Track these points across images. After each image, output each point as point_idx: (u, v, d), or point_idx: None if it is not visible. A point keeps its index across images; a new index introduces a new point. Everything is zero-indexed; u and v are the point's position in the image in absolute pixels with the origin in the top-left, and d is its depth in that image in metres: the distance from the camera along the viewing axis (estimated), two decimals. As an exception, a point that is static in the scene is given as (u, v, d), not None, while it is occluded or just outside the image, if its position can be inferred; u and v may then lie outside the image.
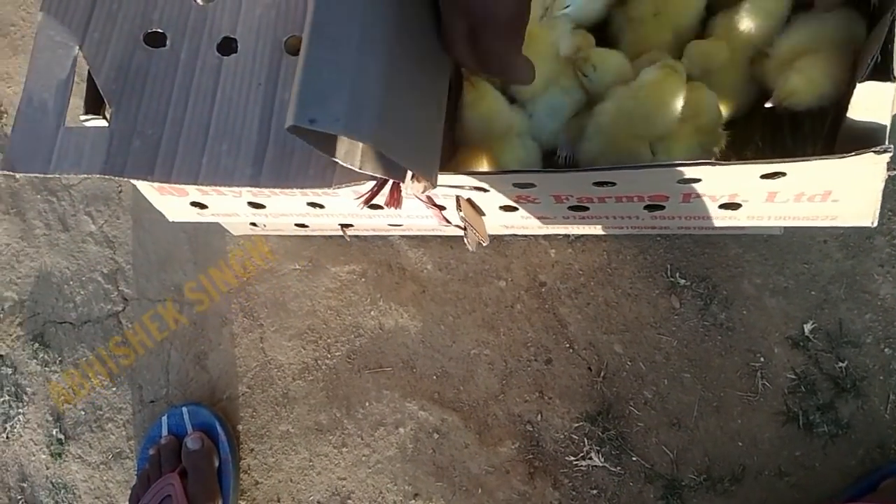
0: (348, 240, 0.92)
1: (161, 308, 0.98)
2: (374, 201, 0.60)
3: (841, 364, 0.82)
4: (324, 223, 0.87)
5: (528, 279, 0.90)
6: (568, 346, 0.88)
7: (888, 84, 0.47)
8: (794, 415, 0.82)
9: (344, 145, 0.50)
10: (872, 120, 0.50)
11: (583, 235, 0.89)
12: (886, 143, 0.51)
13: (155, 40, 0.64)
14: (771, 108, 0.65)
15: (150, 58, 0.63)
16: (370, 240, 0.94)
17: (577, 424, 0.86)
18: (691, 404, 0.84)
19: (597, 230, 0.85)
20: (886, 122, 0.50)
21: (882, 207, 0.83)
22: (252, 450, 0.94)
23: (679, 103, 0.64)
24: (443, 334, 0.91)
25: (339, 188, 0.57)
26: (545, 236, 0.90)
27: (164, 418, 0.94)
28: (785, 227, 0.84)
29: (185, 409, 0.93)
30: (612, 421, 0.85)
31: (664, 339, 0.86)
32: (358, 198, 0.58)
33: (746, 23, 0.66)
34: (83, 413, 0.99)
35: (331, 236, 0.94)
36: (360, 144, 0.51)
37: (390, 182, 0.56)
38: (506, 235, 0.90)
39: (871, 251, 0.84)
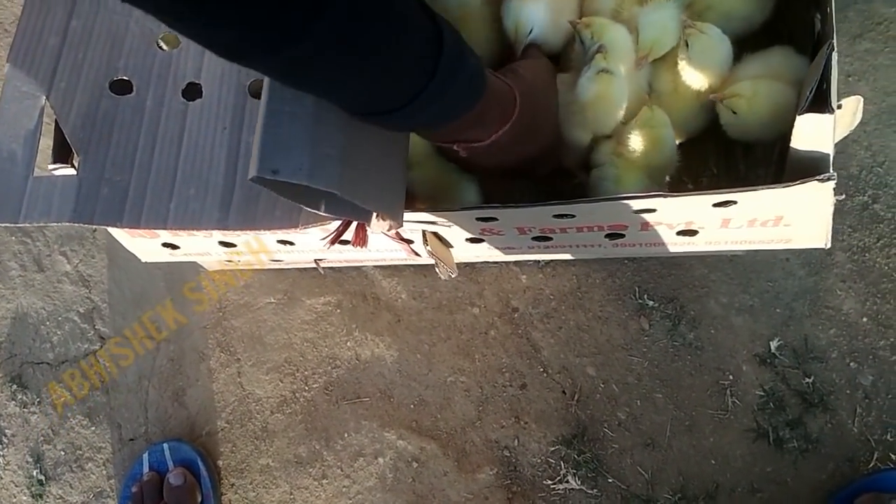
0: (322, 272, 0.93)
1: (137, 345, 0.99)
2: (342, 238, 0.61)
3: (808, 380, 0.84)
4: (297, 258, 0.89)
5: (501, 305, 0.92)
6: (542, 370, 0.89)
7: (827, 115, 0.49)
8: (764, 431, 0.84)
9: (310, 193, 0.51)
10: (815, 149, 0.52)
11: (553, 260, 0.90)
12: (830, 170, 0.53)
13: (121, 88, 0.65)
14: (725, 136, 0.67)
15: (116, 105, 0.64)
16: (344, 271, 0.95)
17: (553, 448, 0.87)
18: (664, 424, 0.86)
19: (565, 256, 0.87)
20: (829, 150, 0.52)
21: (841, 224, 0.87)
22: (233, 485, 0.94)
23: (618, 108, 0.67)
24: (419, 363, 0.92)
25: (306, 229, 0.58)
26: (516, 262, 0.91)
27: (146, 455, 0.94)
28: (748, 247, 0.86)
29: (166, 446, 0.94)
30: (587, 443, 0.87)
31: (635, 361, 0.87)
32: (325, 237, 0.59)
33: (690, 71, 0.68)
34: (63, 453, 0.99)
35: (305, 268, 0.95)
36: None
37: (355, 222, 0.58)
38: (477, 263, 0.92)
39: (832, 267, 0.86)
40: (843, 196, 0.58)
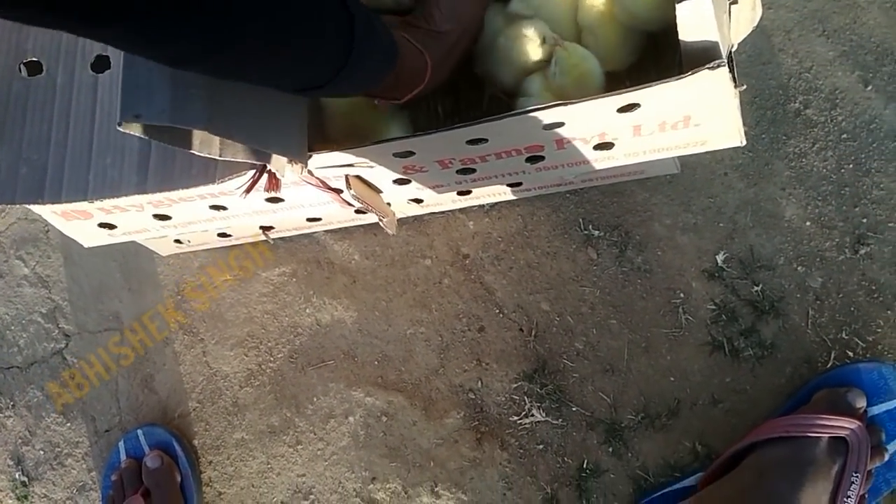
0: (272, 242, 0.94)
1: (101, 339, 0.99)
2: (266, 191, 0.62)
3: (757, 288, 0.85)
4: (244, 227, 0.89)
5: (452, 253, 0.93)
6: (498, 311, 0.90)
7: (704, 0, 0.50)
8: (719, 343, 0.85)
9: (198, 136, 0.52)
10: (703, 38, 0.53)
11: (497, 203, 0.91)
12: (721, 58, 0.54)
13: (31, 69, 0.65)
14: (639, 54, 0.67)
15: (28, 86, 0.65)
16: (295, 239, 0.96)
17: (516, 385, 0.89)
18: (621, 349, 0.87)
19: (507, 196, 0.88)
20: (715, 38, 0.53)
21: (777, 132, 0.88)
22: (211, 462, 0.95)
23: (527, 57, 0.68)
24: (378, 320, 0.93)
25: (222, 182, 0.59)
26: (462, 210, 0.92)
27: (121, 443, 0.95)
28: (684, 165, 0.87)
29: (140, 432, 0.95)
30: (548, 376, 0.88)
31: (587, 291, 0.88)
32: (239, 187, 0.60)
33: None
34: (42, 453, 1.00)
35: (256, 242, 0.96)
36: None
37: (266, 170, 0.58)
38: (425, 215, 0.92)
39: (771, 176, 0.87)
40: (745, 87, 0.58)
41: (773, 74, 0.88)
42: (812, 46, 0.88)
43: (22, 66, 0.66)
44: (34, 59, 0.66)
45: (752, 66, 0.88)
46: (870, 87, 0.86)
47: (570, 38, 0.68)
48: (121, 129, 0.45)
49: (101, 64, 0.65)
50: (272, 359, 0.95)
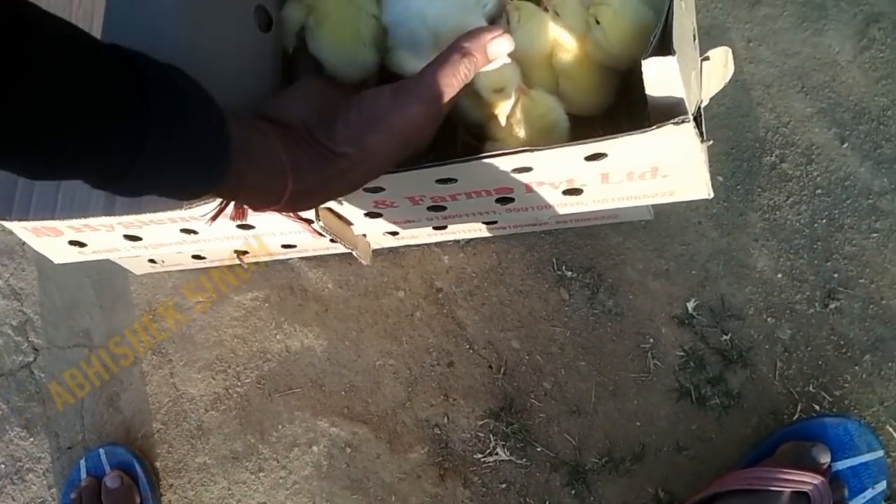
0: (245, 267, 0.94)
1: (70, 355, 0.99)
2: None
3: (726, 337, 0.85)
4: (218, 251, 0.89)
5: (426, 287, 0.93)
6: (468, 346, 0.90)
7: (670, 58, 0.50)
8: (686, 390, 0.85)
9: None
10: (668, 94, 0.53)
11: (473, 239, 0.92)
12: (687, 114, 0.54)
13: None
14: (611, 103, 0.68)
15: (3, 103, 0.65)
16: (270, 265, 0.96)
17: (482, 422, 0.88)
18: (589, 390, 0.87)
19: (483, 233, 0.88)
20: (681, 94, 0.53)
21: (752, 184, 0.89)
22: (171, 485, 0.95)
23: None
24: (348, 350, 0.93)
25: (189, 208, 0.59)
26: (437, 244, 0.92)
27: (82, 461, 0.94)
28: (658, 212, 0.88)
29: (101, 451, 0.94)
30: (515, 415, 0.88)
31: (558, 331, 0.89)
32: (205, 214, 0.60)
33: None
34: (3, 466, 0.99)
35: (231, 265, 0.96)
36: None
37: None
38: (400, 247, 0.93)
39: (744, 227, 0.88)
40: (711, 142, 0.59)
41: (750, 127, 0.89)
42: (790, 102, 0.89)
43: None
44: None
45: (730, 118, 0.89)
46: (846, 145, 0.87)
47: (546, 82, 0.69)
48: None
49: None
50: (239, 383, 0.95)
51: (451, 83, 0.54)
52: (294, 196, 0.53)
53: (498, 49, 0.55)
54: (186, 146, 0.45)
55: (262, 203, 0.54)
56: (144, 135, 0.42)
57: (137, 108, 0.42)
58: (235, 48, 0.61)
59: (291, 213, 0.67)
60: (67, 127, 0.40)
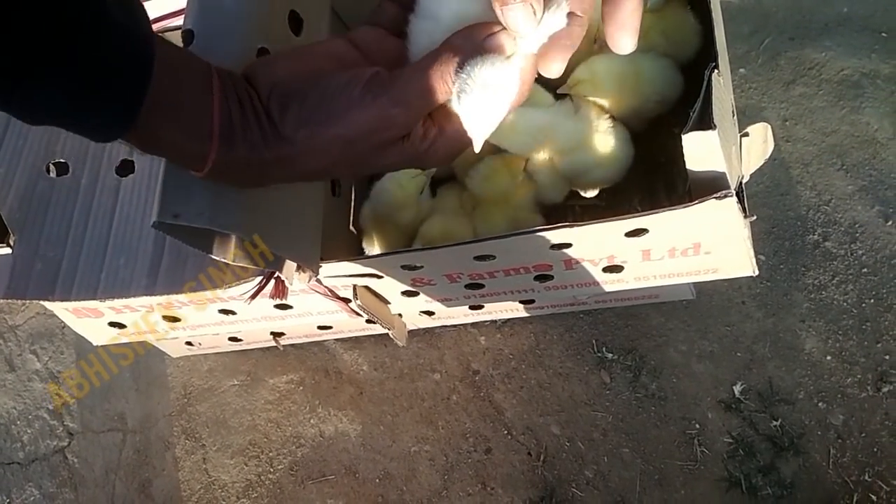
0: (282, 349, 0.94)
1: (104, 440, 0.98)
2: (273, 298, 0.62)
3: (776, 423, 0.82)
4: (254, 332, 0.89)
5: (462, 369, 0.91)
6: (506, 432, 0.88)
7: (710, 132, 0.50)
8: (736, 479, 0.81)
9: (217, 240, 0.52)
10: (709, 168, 0.53)
11: (510, 319, 0.90)
12: (731, 189, 0.54)
13: (58, 169, 0.68)
14: (648, 174, 0.68)
15: (52, 186, 0.67)
16: (306, 346, 0.95)
17: (521, 513, 0.85)
18: (633, 479, 0.83)
19: (520, 313, 0.87)
20: (722, 168, 0.53)
21: (795, 263, 0.87)
22: (200, 576, 0.92)
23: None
24: (382, 435, 0.91)
25: (228, 288, 0.59)
26: (474, 324, 0.91)
27: (111, 552, 0.92)
28: (700, 291, 0.86)
29: (130, 540, 0.92)
30: (555, 505, 0.84)
31: (599, 416, 0.86)
32: (243, 294, 0.60)
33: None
34: (30, 556, 0.97)
35: (267, 348, 0.95)
36: (233, 238, 0.53)
37: (274, 276, 0.58)
38: (436, 328, 0.92)
39: (790, 307, 0.85)
40: (755, 217, 0.58)
41: (791, 206, 0.88)
42: (831, 180, 0.88)
43: (51, 165, 0.68)
44: (62, 160, 0.68)
45: (770, 197, 0.88)
46: (890, 223, 0.85)
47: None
48: (153, 226, 0.45)
49: (126, 168, 0.67)
50: (272, 469, 0.93)
51: (437, 87, 0.43)
52: (218, 168, 0.45)
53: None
54: (98, 74, 0.38)
55: (183, 166, 0.46)
56: (66, 48, 0.36)
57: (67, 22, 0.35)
58: None
59: (329, 292, 0.67)
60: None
